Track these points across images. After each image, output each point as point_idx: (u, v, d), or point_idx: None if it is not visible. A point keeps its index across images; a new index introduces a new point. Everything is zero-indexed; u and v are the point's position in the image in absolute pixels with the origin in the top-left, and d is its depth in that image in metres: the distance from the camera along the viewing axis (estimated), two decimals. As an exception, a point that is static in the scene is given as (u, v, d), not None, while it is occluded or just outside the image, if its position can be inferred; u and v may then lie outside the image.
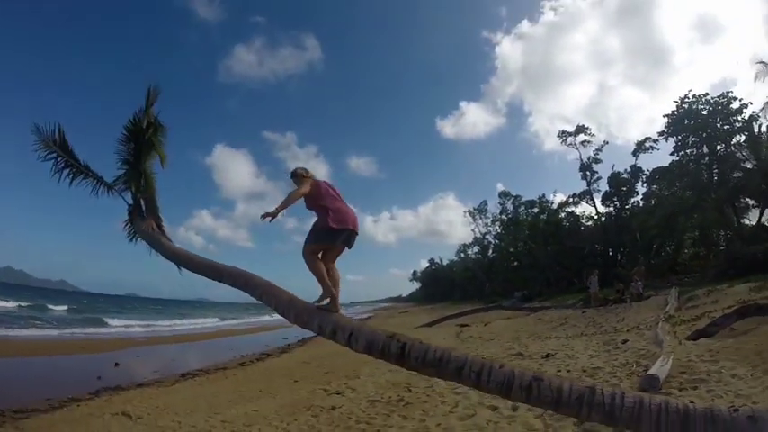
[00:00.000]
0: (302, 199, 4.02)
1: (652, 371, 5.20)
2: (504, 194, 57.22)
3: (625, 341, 8.48)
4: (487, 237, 60.98)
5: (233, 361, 13.58)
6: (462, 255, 69.68)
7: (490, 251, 60.68)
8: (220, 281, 4.91)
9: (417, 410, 5.41)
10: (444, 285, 76.06)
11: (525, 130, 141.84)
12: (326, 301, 3.84)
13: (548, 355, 8.23)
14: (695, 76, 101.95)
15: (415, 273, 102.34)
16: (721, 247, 23.84)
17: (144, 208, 7.00)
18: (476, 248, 64.65)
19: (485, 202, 60.54)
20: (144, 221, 6.68)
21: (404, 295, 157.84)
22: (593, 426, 4.16)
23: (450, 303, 55.93)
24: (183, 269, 6.88)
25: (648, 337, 8.45)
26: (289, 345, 19.08)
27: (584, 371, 6.31)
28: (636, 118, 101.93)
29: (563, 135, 38.80)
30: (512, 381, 3.07)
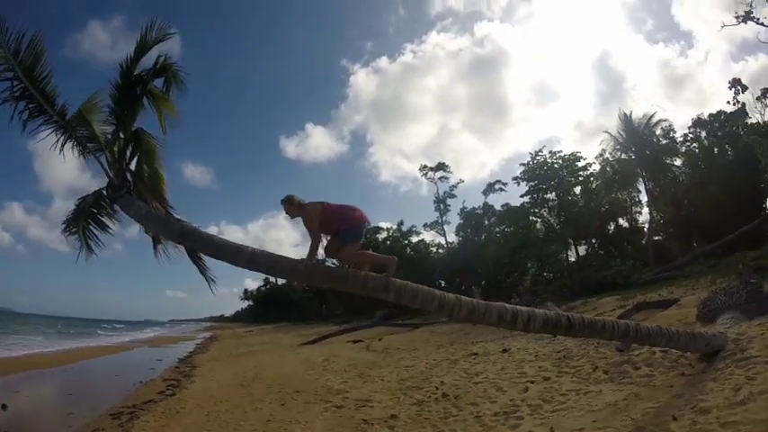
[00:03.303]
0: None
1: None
2: (351, 219, 60.80)
3: (554, 336, 10.74)
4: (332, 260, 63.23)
5: (144, 391, 11.22)
6: (301, 276, 70.50)
7: (332, 273, 62.80)
8: (343, 288, 4.85)
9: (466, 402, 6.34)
10: (280, 305, 73.81)
11: (365, 160, 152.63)
12: None
13: (504, 350, 9.97)
14: (527, 132, 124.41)
15: (246, 291, 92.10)
16: (557, 274, 30.08)
17: (132, 184, 5.67)
18: (318, 270, 66.51)
19: (331, 225, 63.16)
20: (139, 201, 5.44)
21: (227, 314, 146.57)
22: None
23: (288, 324, 54.54)
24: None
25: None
26: (177, 366, 17.09)
27: (558, 352, 8.18)
28: (469, 161, 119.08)
29: (424, 169, 43.89)
30: (628, 329, 4.60)
